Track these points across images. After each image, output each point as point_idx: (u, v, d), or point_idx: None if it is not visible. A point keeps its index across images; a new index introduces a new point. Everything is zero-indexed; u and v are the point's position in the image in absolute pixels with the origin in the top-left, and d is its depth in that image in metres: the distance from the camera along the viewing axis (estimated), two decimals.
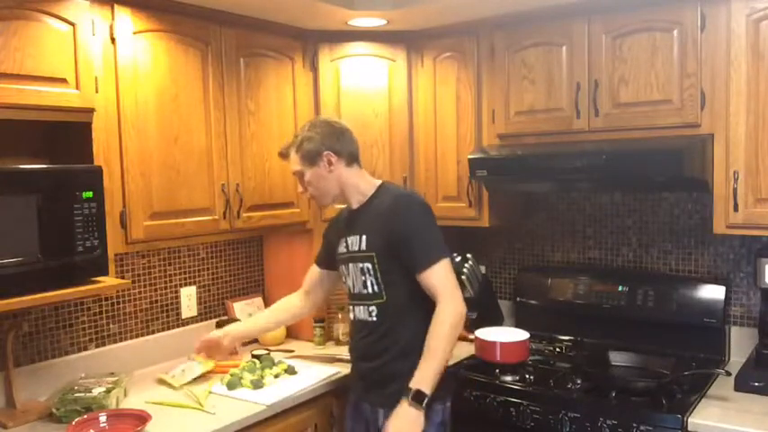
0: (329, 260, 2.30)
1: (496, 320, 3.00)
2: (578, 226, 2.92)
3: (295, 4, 2.44)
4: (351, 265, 2.12)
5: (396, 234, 1.99)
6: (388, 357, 2.04)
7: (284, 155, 2.19)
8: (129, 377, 2.37)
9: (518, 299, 2.99)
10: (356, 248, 2.08)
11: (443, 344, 1.92)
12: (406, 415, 1.88)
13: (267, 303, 3.10)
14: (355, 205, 2.14)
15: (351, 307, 2.18)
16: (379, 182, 2.16)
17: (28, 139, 2.11)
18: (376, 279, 2.05)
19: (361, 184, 2.14)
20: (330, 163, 2.09)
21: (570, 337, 2.78)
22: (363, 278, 2.07)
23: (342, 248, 2.16)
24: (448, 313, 1.93)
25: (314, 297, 2.43)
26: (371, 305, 2.07)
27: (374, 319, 2.07)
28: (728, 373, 2.16)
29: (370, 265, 2.05)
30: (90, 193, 1.97)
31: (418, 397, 1.88)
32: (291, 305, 2.45)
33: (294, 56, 2.76)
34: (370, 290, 2.07)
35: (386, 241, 2.01)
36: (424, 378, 1.90)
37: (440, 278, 1.96)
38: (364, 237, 2.06)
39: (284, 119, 2.73)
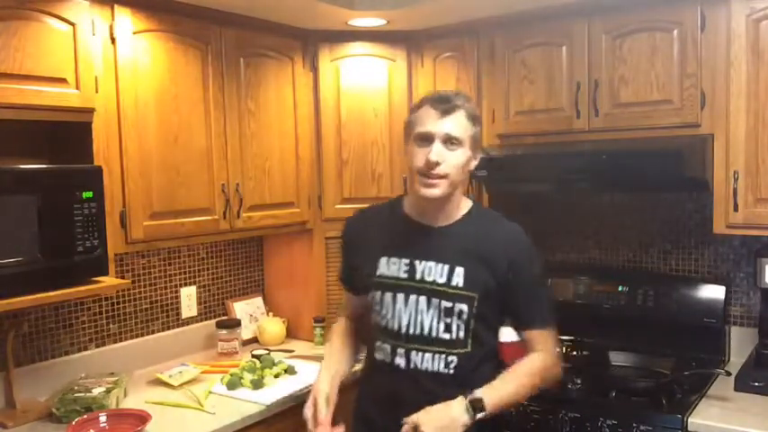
0: (357, 281, 1.82)
1: None
2: (578, 226, 2.92)
3: (295, 4, 2.44)
4: (414, 297, 1.67)
5: (516, 279, 1.67)
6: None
7: (448, 104, 1.63)
8: (129, 377, 2.37)
9: None
10: (443, 281, 1.65)
11: (529, 386, 1.68)
12: (450, 412, 1.55)
13: (267, 303, 3.10)
14: (442, 222, 1.71)
15: (397, 351, 1.69)
16: (470, 201, 1.79)
17: (28, 139, 2.11)
18: (467, 325, 1.66)
19: (462, 200, 1.75)
20: (474, 162, 1.71)
21: (570, 337, 2.77)
22: (448, 320, 1.65)
23: (392, 271, 1.70)
24: (551, 371, 1.74)
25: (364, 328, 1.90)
26: (451, 354, 1.66)
27: (451, 371, 1.67)
28: (728, 373, 2.16)
29: (465, 308, 1.65)
30: (90, 193, 1.96)
31: (476, 404, 1.57)
32: (352, 343, 1.95)
33: (294, 56, 2.76)
34: (454, 335, 1.66)
35: (496, 283, 1.66)
36: (495, 396, 1.61)
37: (554, 342, 1.76)
38: (460, 270, 1.65)
39: (284, 119, 2.73)
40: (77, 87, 1.98)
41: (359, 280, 1.80)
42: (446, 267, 1.66)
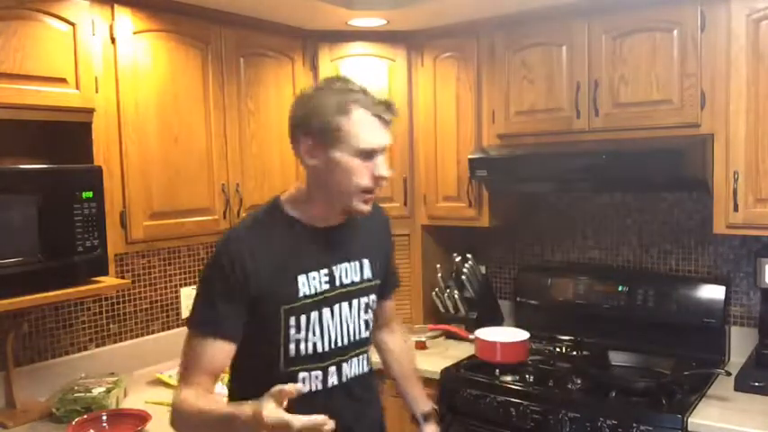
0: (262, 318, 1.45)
1: (496, 320, 3.00)
2: (578, 226, 2.92)
3: (295, 4, 2.44)
4: (338, 306, 1.51)
5: (388, 254, 1.71)
6: (379, 407, 1.69)
7: (392, 114, 1.43)
8: (129, 377, 2.37)
9: (518, 299, 2.98)
10: (358, 279, 1.55)
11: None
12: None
13: None
14: (336, 221, 1.52)
15: (329, 371, 1.49)
16: None
17: (28, 139, 2.11)
18: (373, 314, 1.62)
19: None
20: None
21: (570, 337, 2.78)
22: (366, 317, 1.57)
23: (313, 287, 1.47)
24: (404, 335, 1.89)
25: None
26: (367, 350, 1.60)
27: (370, 367, 1.62)
28: (728, 373, 2.16)
29: (374, 297, 1.60)
30: (90, 193, 1.97)
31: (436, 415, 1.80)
32: None
33: (294, 56, 2.76)
34: (370, 330, 1.60)
35: (383, 264, 1.65)
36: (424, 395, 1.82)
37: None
38: (366, 261, 1.57)
39: (284, 119, 2.68)
40: (77, 87, 1.98)
41: (265, 313, 1.44)
42: (357, 264, 1.55)
